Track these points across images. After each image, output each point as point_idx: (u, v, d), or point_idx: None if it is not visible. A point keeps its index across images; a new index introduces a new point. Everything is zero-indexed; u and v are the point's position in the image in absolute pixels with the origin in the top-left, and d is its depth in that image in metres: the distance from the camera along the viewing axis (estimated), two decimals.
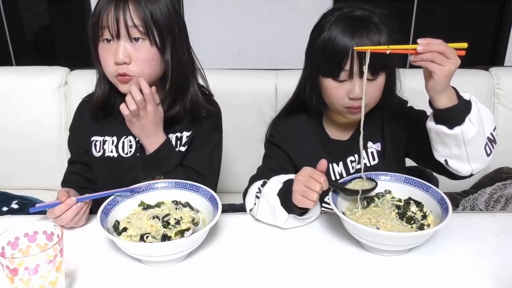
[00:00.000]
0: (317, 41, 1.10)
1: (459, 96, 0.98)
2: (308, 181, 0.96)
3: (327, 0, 2.76)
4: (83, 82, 1.72)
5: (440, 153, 1.04)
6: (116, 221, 0.99)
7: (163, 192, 1.07)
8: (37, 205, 1.03)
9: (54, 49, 3.32)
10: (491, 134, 1.02)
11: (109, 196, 1.01)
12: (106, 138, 1.23)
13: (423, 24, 2.87)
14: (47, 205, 1.03)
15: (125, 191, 1.04)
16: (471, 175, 1.06)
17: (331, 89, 1.11)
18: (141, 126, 1.11)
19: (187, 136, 1.21)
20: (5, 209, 1.54)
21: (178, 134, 1.21)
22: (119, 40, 1.08)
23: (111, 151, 1.22)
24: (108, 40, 1.09)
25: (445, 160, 1.04)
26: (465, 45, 0.93)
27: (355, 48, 1.01)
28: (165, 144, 1.14)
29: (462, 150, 0.99)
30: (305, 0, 2.72)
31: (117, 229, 0.97)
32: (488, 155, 1.02)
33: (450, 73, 0.92)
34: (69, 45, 3.18)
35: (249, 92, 1.71)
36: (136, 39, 1.08)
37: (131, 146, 1.21)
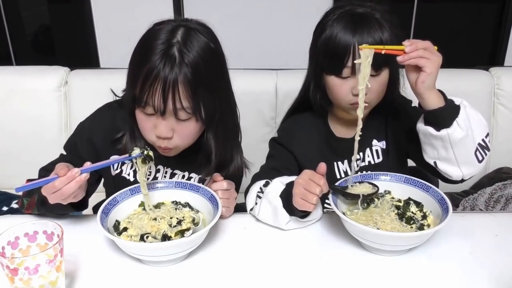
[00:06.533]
0: (320, 39, 1.11)
1: (446, 100, 0.99)
2: (308, 184, 0.96)
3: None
4: (83, 82, 1.74)
5: (428, 155, 1.06)
6: (116, 221, 0.99)
7: (163, 192, 1.07)
8: (26, 182, 0.93)
9: (54, 49, 3.32)
10: (483, 140, 1.04)
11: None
12: (125, 160, 1.15)
13: (423, 24, 2.86)
14: (37, 182, 0.92)
15: (122, 159, 1.01)
16: (463, 180, 1.07)
17: (334, 86, 1.11)
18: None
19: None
20: (5, 209, 1.54)
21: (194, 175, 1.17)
22: (164, 116, 0.99)
23: (128, 174, 1.17)
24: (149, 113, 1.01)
25: (434, 162, 1.05)
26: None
27: (360, 47, 0.98)
28: None
29: (449, 152, 1.01)
30: (305, 0, 2.72)
31: (117, 229, 0.97)
32: (479, 161, 1.03)
33: (438, 65, 0.95)
34: (69, 45, 3.18)
35: (249, 92, 1.70)
36: (182, 119, 1.01)
37: (149, 173, 1.16)
